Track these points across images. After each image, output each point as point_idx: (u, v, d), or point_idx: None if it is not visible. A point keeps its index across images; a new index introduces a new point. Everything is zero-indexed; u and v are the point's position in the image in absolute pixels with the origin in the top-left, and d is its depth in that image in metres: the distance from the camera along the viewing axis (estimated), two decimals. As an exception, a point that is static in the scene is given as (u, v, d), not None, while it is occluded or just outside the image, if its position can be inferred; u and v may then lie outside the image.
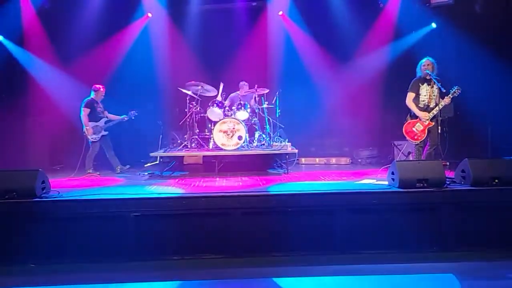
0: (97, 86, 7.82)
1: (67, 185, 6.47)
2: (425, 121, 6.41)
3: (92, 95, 7.76)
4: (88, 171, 7.61)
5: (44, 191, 5.34)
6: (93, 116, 7.69)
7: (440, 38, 8.94)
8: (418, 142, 6.51)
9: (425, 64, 6.48)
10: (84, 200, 5.17)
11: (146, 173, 7.69)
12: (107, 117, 7.88)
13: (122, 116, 7.91)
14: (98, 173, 7.60)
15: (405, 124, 6.58)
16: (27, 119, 9.07)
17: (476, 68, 8.56)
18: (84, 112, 7.62)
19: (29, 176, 5.21)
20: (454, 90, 6.30)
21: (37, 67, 8.95)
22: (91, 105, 7.69)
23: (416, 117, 6.50)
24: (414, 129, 6.48)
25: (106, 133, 7.80)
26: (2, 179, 5.18)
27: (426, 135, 6.45)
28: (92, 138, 7.64)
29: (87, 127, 7.59)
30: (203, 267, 4.90)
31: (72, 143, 9.41)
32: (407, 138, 6.60)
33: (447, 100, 6.31)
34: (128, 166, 8.06)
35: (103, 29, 9.15)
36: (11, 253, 4.99)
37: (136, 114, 7.93)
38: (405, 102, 6.59)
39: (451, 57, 8.80)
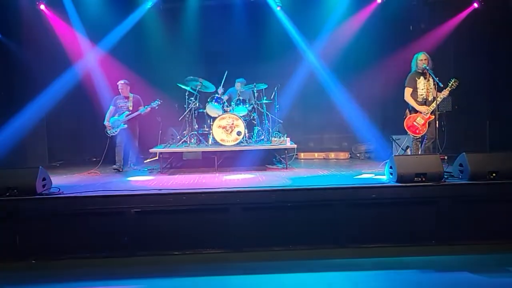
0: (118, 83, 7.85)
1: (68, 182, 6.49)
2: (426, 115, 6.43)
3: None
4: (116, 166, 7.62)
5: (44, 188, 5.37)
6: (118, 112, 7.80)
7: (438, 33, 8.96)
8: (419, 136, 6.53)
9: (421, 59, 6.49)
10: (85, 197, 5.19)
11: (146, 169, 7.71)
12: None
13: (139, 110, 7.79)
14: (97, 169, 7.61)
15: (406, 119, 6.58)
16: (26, 116, 9.04)
17: (474, 62, 8.59)
18: (109, 109, 7.80)
19: (29, 173, 5.25)
20: (451, 82, 6.32)
21: (35, 63, 8.92)
22: (113, 102, 7.87)
23: (415, 111, 6.51)
24: (415, 123, 6.49)
25: (125, 126, 7.69)
26: (3, 176, 5.23)
27: (427, 128, 6.47)
28: (111, 133, 7.68)
29: (105, 122, 7.70)
30: (204, 262, 4.93)
31: (72, 140, 9.48)
32: (409, 132, 6.60)
33: (445, 92, 6.33)
34: (129, 166, 7.94)
35: (101, 24, 9.12)
36: (12, 249, 5.02)
37: (159, 102, 7.80)
38: (404, 98, 6.61)
39: (449, 51, 8.83)
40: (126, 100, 7.83)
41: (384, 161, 6.55)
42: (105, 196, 5.20)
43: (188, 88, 8.07)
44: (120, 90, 7.82)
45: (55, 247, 5.08)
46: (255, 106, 8.33)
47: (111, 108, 7.81)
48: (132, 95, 7.89)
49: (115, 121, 7.70)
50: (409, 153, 7.53)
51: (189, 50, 9.59)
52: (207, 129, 8.12)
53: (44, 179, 5.39)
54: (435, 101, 6.36)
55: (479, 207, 5.24)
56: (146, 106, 7.80)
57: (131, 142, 7.86)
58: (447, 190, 5.25)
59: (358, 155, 9.17)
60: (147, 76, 9.29)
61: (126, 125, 7.70)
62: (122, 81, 7.84)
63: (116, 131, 7.68)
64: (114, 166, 7.64)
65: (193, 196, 5.19)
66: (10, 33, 8.72)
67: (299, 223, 5.16)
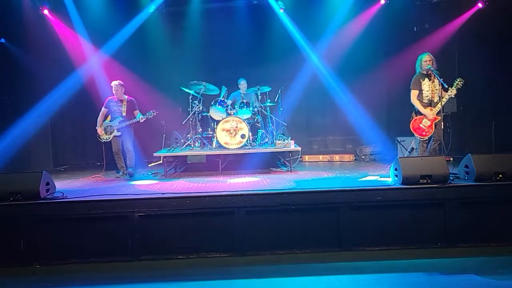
0: (112, 83, 7.29)
1: (72, 186, 6.49)
2: (430, 118, 6.36)
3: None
4: (120, 174, 7.34)
5: (48, 192, 5.37)
6: (111, 115, 7.26)
7: (443, 33, 8.92)
8: (426, 138, 6.47)
9: (426, 60, 6.44)
10: (89, 201, 5.19)
11: (150, 173, 7.71)
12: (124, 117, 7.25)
13: (137, 117, 7.21)
14: (102, 174, 7.59)
15: (412, 121, 6.51)
16: (30, 121, 9.08)
17: (479, 63, 8.54)
18: (101, 111, 7.29)
19: (33, 178, 5.26)
20: (457, 81, 6.27)
21: (39, 68, 8.96)
22: (107, 104, 7.29)
23: (421, 113, 6.46)
24: (421, 125, 6.43)
25: (118, 133, 7.17)
26: (7, 181, 5.24)
27: (433, 130, 6.41)
28: (103, 139, 7.22)
29: (97, 127, 7.22)
30: (208, 266, 4.91)
31: (76, 144, 9.50)
32: (416, 135, 6.54)
33: (452, 92, 6.28)
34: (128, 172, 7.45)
35: (105, 28, 9.14)
36: (16, 254, 5.02)
37: (155, 113, 7.25)
38: (410, 100, 6.55)
39: (453, 52, 8.79)
40: (119, 104, 7.25)
41: (389, 163, 6.52)
42: (109, 201, 5.18)
43: (191, 92, 8.07)
44: (114, 92, 7.23)
45: (59, 252, 5.07)
46: (259, 109, 8.31)
47: (103, 110, 7.25)
48: (126, 97, 7.32)
49: (107, 126, 7.20)
50: (414, 155, 7.48)
51: (193, 53, 9.58)
52: (211, 132, 8.11)
53: (47, 184, 5.40)
54: (440, 102, 6.31)
55: (485, 209, 5.19)
56: (141, 115, 7.19)
57: (127, 147, 7.29)
58: (452, 192, 5.20)
59: (362, 157, 9.13)
60: (150, 80, 9.30)
61: (120, 133, 7.19)
62: (116, 82, 7.25)
63: (109, 138, 7.20)
64: (118, 174, 7.38)
65: (197, 200, 5.17)
66: (14, 38, 8.77)
67: (304, 226, 5.13)
